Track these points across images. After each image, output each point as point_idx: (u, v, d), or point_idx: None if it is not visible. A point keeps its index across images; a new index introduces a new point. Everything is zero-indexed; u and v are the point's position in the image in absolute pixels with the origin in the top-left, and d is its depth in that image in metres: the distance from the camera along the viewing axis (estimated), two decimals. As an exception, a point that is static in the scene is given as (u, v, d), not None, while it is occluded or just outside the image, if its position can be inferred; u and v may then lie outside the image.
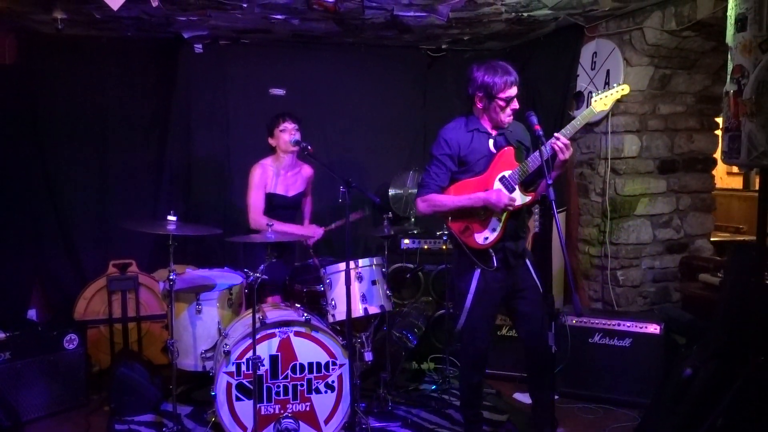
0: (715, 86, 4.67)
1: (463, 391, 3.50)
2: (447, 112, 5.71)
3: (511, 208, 3.13)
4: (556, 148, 3.00)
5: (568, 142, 3.03)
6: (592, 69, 4.72)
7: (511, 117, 3.20)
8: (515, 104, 3.17)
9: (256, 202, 4.21)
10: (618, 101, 4.45)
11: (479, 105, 3.21)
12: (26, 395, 3.91)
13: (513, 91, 3.14)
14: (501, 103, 3.13)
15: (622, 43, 4.49)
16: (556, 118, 4.95)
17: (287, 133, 4.17)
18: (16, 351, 3.89)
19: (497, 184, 3.17)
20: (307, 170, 4.45)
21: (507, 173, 3.16)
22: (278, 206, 4.27)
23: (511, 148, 3.22)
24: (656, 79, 4.52)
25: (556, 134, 3.02)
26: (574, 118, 4.80)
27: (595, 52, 4.70)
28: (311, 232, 4.34)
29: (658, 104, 4.61)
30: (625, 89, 3.17)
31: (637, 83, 4.48)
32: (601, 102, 3.13)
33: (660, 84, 4.55)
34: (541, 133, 3.00)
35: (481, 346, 3.33)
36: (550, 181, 2.88)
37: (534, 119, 3.06)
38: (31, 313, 4.94)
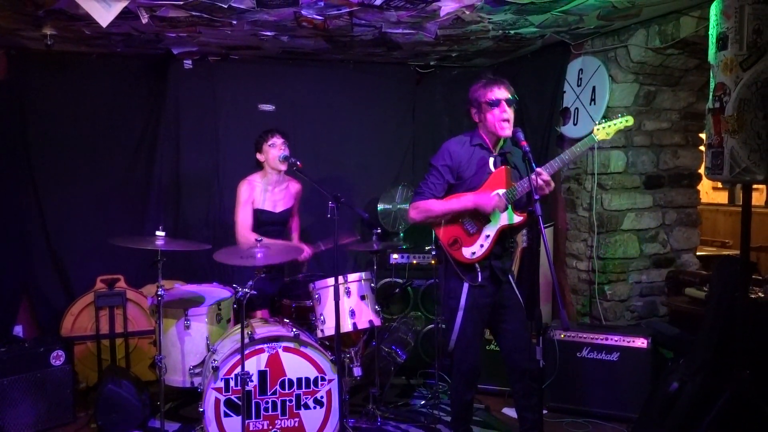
0: (699, 103, 4.74)
1: (454, 408, 3.50)
2: (435, 128, 5.79)
3: (501, 207, 3.15)
4: (535, 185, 2.98)
5: (548, 178, 3.05)
6: (579, 85, 4.77)
7: (505, 127, 3.17)
8: (504, 107, 3.16)
9: (243, 218, 4.22)
10: (604, 117, 4.52)
11: (475, 118, 3.28)
12: (12, 413, 3.88)
13: (497, 93, 3.17)
14: (487, 106, 3.17)
15: (608, 60, 4.55)
16: (543, 134, 5.00)
17: (276, 149, 4.19)
18: (1, 368, 3.86)
19: None
20: (294, 186, 4.46)
21: (501, 191, 3.18)
22: (266, 222, 4.28)
23: (506, 168, 3.25)
24: (641, 95, 4.58)
25: (537, 169, 3.01)
26: (560, 133, 4.92)
27: (581, 69, 4.76)
28: (301, 248, 4.34)
29: (643, 120, 4.66)
30: (629, 120, 3.19)
31: (622, 100, 4.54)
32: (604, 131, 3.15)
33: (645, 101, 4.61)
34: (527, 149, 3.03)
35: (473, 363, 3.33)
36: (536, 197, 2.90)
37: (520, 135, 3.09)
38: (18, 329, 4.90)
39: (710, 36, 2.82)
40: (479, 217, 3.22)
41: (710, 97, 2.80)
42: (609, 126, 3.16)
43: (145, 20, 3.83)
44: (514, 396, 3.39)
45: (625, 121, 3.18)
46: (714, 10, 2.78)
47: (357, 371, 3.82)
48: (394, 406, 4.36)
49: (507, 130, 3.19)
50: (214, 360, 3.48)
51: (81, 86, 5.05)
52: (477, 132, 3.31)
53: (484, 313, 3.28)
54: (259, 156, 4.27)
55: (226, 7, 3.68)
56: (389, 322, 4.70)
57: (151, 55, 5.06)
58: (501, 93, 3.18)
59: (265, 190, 4.29)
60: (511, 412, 4.15)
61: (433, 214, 3.25)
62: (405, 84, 5.84)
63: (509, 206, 3.19)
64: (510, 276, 3.36)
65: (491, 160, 3.26)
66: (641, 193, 4.77)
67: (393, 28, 4.31)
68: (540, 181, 3.00)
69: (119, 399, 3.96)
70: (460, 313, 3.23)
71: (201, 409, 3.41)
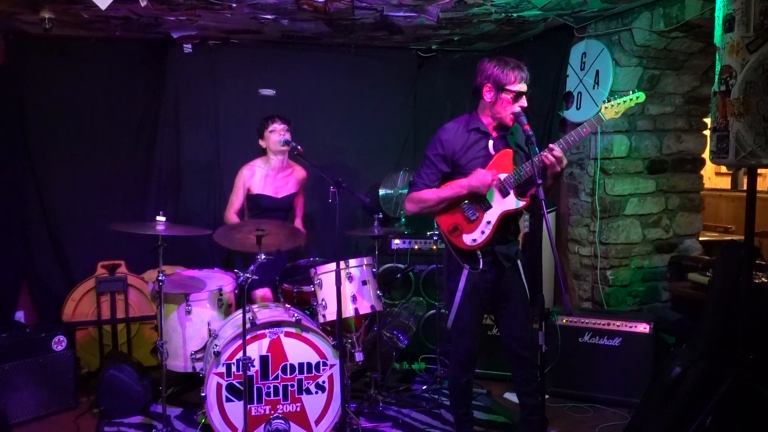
0: (704, 87, 4.70)
1: (452, 390, 3.49)
2: (437, 112, 5.75)
3: (496, 183, 3.07)
4: (547, 162, 2.92)
5: (561, 155, 2.95)
6: (582, 69, 4.74)
7: (512, 118, 3.08)
8: (523, 102, 3.07)
9: (232, 201, 4.33)
10: (607, 99, 4.48)
11: (487, 98, 3.11)
12: (14, 398, 3.88)
13: (523, 87, 3.06)
14: (510, 96, 3.05)
15: (611, 43, 4.51)
16: (545, 119, 4.97)
17: (277, 134, 4.18)
18: (3, 353, 3.86)
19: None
20: (299, 172, 4.46)
21: (503, 176, 3.09)
22: (267, 208, 4.27)
23: (510, 150, 3.15)
24: (645, 79, 4.54)
25: (550, 145, 2.94)
26: (563, 117, 4.88)
27: (585, 53, 4.72)
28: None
29: (646, 105, 4.63)
30: (640, 97, 3.03)
31: (625, 84, 4.50)
32: (612, 110, 3.01)
33: (649, 84, 4.57)
34: (530, 133, 2.97)
35: (470, 346, 3.31)
36: (540, 181, 2.86)
37: (523, 119, 3.03)
38: (19, 315, 4.91)
39: (716, 18, 2.77)
40: (480, 203, 3.16)
41: (716, 79, 2.76)
42: (618, 104, 3.01)
43: (143, 3, 3.80)
44: (515, 381, 3.38)
45: (636, 98, 3.02)
46: (720, -8, 2.74)
47: (358, 356, 3.82)
48: (396, 391, 4.36)
49: (512, 121, 3.13)
50: (216, 345, 3.48)
51: (80, 71, 5.02)
52: (475, 114, 3.20)
53: (483, 298, 3.25)
54: (261, 142, 4.28)
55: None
56: (391, 308, 4.70)
57: (150, 39, 5.02)
58: (525, 87, 3.08)
59: (267, 176, 4.29)
60: (512, 396, 4.15)
61: (427, 204, 3.19)
62: (406, 68, 5.79)
63: (511, 191, 3.13)
64: (518, 262, 3.30)
65: (490, 143, 3.18)
66: (644, 178, 4.75)
67: (394, 11, 4.27)
68: (551, 158, 2.92)
69: (121, 384, 3.96)
70: (458, 296, 3.19)
71: (203, 394, 3.41)
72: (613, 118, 3.07)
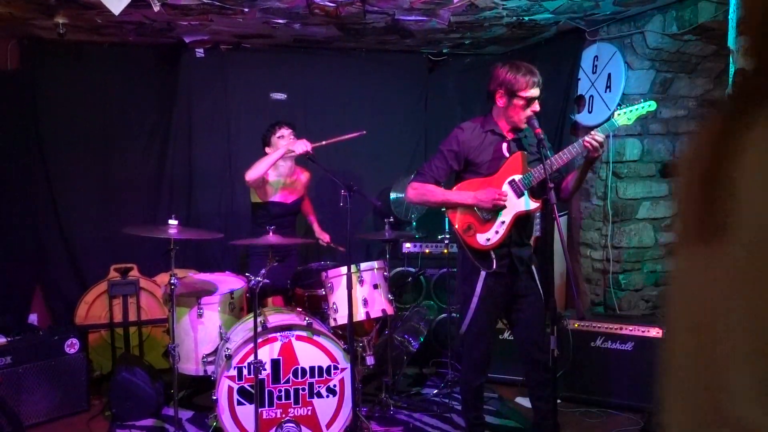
0: (717, 90, 4.66)
1: (464, 393, 3.48)
2: (448, 116, 5.75)
3: (501, 203, 3.09)
4: (589, 146, 2.95)
5: (603, 139, 2.97)
6: (594, 73, 4.72)
7: (526, 122, 3.12)
8: (536, 106, 3.09)
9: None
10: (625, 102, 4.47)
11: (499, 103, 3.14)
12: (28, 400, 3.91)
13: (535, 92, 3.08)
14: (522, 102, 3.07)
15: (624, 46, 4.49)
16: (557, 122, 4.94)
17: (286, 140, 4.18)
18: (17, 356, 3.89)
19: (506, 188, 3.14)
20: (305, 175, 4.48)
21: (517, 177, 3.11)
22: (279, 214, 4.28)
23: (524, 153, 3.18)
24: (657, 83, 4.52)
25: (593, 131, 2.97)
26: (574, 121, 4.86)
27: (597, 56, 4.70)
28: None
29: (659, 108, 4.60)
30: (651, 106, 3.08)
31: (638, 87, 4.48)
32: (625, 116, 3.06)
33: (661, 88, 4.55)
34: (542, 136, 2.99)
35: (484, 349, 3.30)
36: (551, 185, 2.86)
37: (535, 122, 3.05)
38: (32, 318, 4.94)
39: (730, 20, 2.76)
40: None
41: (730, 82, 2.75)
42: (630, 111, 3.07)
43: (156, 8, 3.82)
44: (529, 386, 3.36)
45: (648, 107, 3.07)
46: (734, -6, 2.72)
47: (369, 360, 3.81)
48: (407, 395, 4.36)
49: (525, 124, 3.15)
50: (227, 348, 3.49)
51: (93, 76, 5.05)
52: (490, 117, 3.22)
53: (498, 302, 3.24)
54: (268, 150, 4.24)
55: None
56: (402, 312, 4.70)
57: (163, 44, 5.05)
58: (537, 92, 3.09)
59: (278, 182, 4.30)
60: (524, 401, 4.13)
61: (430, 198, 3.22)
62: (417, 72, 5.79)
63: (525, 192, 3.13)
64: (533, 267, 3.29)
65: (504, 145, 3.20)
66: (657, 182, 4.72)
67: (405, 15, 4.27)
68: (594, 142, 2.94)
69: (133, 387, 3.98)
70: (474, 300, 3.18)
71: (214, 398, 3.42)
72: (626, 124, 3.10)
